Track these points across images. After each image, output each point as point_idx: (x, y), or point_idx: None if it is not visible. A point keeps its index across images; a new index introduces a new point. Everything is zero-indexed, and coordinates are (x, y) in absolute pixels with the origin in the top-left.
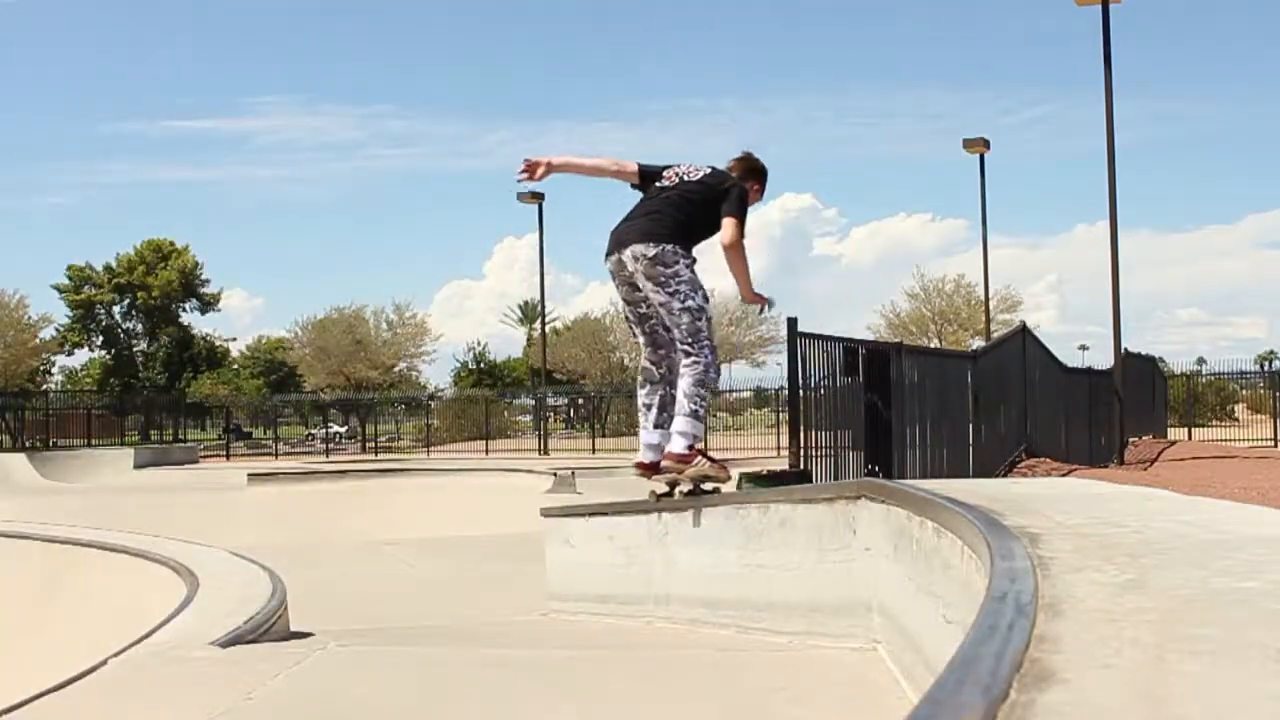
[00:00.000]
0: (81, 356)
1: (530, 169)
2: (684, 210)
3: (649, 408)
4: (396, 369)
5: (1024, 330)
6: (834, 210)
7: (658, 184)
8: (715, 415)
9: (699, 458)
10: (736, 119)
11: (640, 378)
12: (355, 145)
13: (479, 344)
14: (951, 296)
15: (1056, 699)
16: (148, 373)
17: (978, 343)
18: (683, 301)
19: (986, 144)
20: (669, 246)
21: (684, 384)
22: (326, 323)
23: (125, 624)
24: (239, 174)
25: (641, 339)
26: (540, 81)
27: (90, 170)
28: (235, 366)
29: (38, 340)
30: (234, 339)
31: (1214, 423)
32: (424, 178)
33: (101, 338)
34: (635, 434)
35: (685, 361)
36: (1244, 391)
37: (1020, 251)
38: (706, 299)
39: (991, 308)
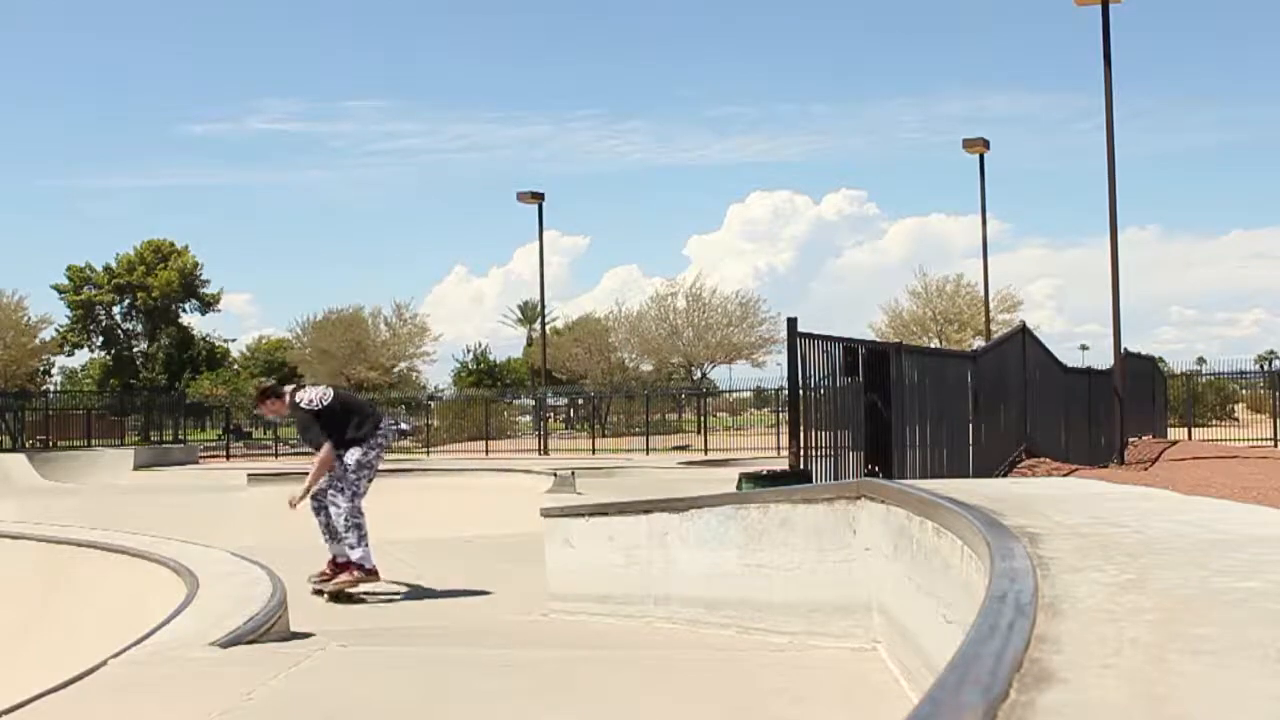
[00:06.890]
0: (81, 357)
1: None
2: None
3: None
4: (396, 370)
5: (1024, 330)
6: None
7: None
8: (715, 415)
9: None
10: (749, 119)
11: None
12: (356, 145)
13: (479, 344)
14: (953, 297)
15: (1056, 699)
16: (148, 373)
17: (978, 343)
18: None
19: (986, 144)
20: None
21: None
22: (326, 323)
23: (125, 624)
24: (240, 174)
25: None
26: (545, 82)
27: (91, 171)
28: (235, 367)
29: (38, 341)
30: (234, 339)
31: (1214, 422)
32: (424, 177)
33: (101, 338)
34: (636, 434)
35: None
36: (1244, 391)
37: (1028, 251)
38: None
39: (992, 308)
